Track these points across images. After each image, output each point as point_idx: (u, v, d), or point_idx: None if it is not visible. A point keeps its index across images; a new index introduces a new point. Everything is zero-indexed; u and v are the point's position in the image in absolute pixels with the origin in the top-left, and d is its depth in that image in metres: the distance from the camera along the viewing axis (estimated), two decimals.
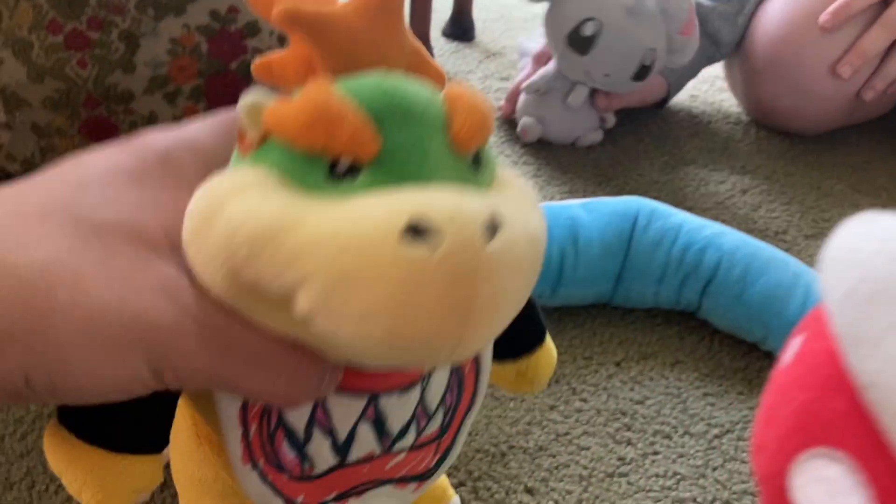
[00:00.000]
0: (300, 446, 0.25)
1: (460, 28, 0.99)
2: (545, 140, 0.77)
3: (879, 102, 0.80)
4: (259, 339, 0.20)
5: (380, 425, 0.25)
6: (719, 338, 0.55)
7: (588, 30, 0.67)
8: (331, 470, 0.26)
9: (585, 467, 0.45)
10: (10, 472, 0.42)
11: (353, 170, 0.20)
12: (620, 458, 0.46)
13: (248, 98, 0.22)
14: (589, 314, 0.56)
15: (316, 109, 0.20)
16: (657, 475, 0.45)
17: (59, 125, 0.63)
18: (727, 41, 0.81)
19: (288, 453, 0.25)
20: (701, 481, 0.45)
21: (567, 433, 0.47)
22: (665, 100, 0.84)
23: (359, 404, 0.24)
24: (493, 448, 0.46)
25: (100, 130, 0.64)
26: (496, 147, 0.76)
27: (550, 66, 0.73)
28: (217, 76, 0.64)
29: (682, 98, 0.89)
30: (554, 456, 0.46)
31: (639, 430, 0.48)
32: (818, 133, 0.81)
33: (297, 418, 0.24)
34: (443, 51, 0.96)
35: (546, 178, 0.72)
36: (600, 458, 0.46)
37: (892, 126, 0.85)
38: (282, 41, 0.65)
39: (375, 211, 0.19)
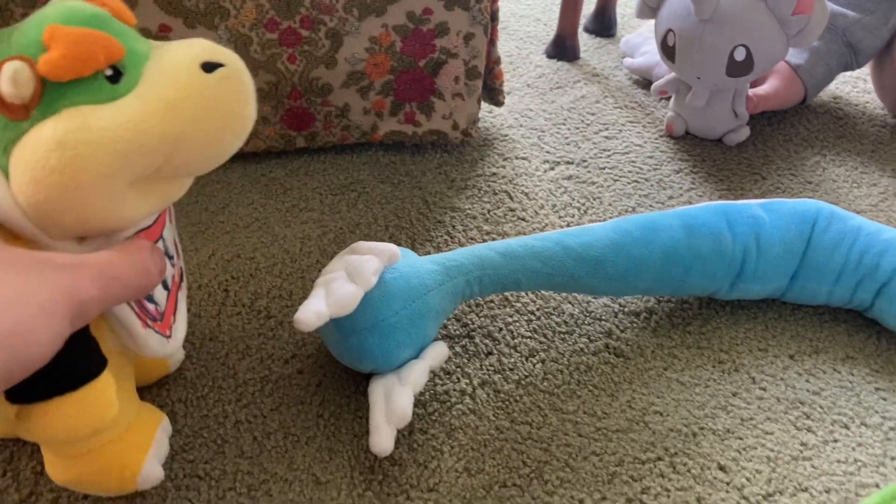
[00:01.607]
0: (151, 299, 0.40)
1: (602, 24, 1.02)
2: (694, 135, 0.80)
3: None
4: (115, 261, 0.33)
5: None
6: (887, 336, 0.58)
7: (670, 40, 0.71)
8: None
9: (771, 450, 0.49)
10: (265, 424, 0.49)
11: (118, 73, 0.33)
12: (803, 444, 0.50)
13: (8, 68, 0.31)
14: (760, 308, 0.60)
15: (79, 40, 0.31)
16: (839, 461, 0.49)
17: (265, 114, 0.69)
18: (868, 52, 0.82)
19: (149, 306, 0.39)
20: (881, 469, 0.48)
21: (752, 418, 0.51)
22: (803, 103, 0.86)
23: None
24: (684, 428, 0.50)
25: (299, 119, 0.70)
26: (653, 142, 0.80)
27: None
28: (406, 73, 0.70)
29: (825, 100, 0.91)
30: (741, 438, 0.50)
31: (817, 419, 0.52)
32: None
33: None
34: (587, 46, 1.00)
35: (703, 176, 0.75)
36: (784, 442, 0.50)
37: None
38: (467, 40, 0.69)
39: (181, 60, 0.33)
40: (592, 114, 0.85)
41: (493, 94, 0.78)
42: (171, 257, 0.42)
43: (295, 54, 0.66)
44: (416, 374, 0.47)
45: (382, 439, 0.44)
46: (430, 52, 0.69)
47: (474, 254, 0.52)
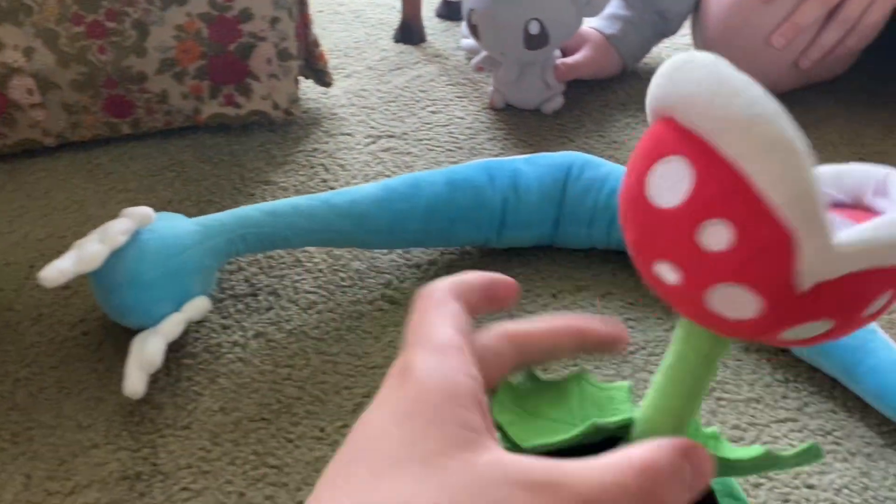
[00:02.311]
0: None
1: (451, 8, 1.07)
2: (514, 106, 0.85)
3: (831, 65, 0.86)
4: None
5: None
6: None
7: (473, 19, 0.76)
8: None
9: None
10: (42, 380, 0.53)
11: None
12: (543, 369, 0.54)
13: None
14: (534, 254, 0.65)
15: None
16: None
17: (85, 104, 0.73)
18: (677, 18, 0.88)
19: None
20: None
21: None
22: (624, 71, 0.92)
23: None
24: None
25: (119, 107, 0.74)
26: (475, 115, 0.84)
27: None
28: (217, 57, 0.74)
29: (651, 66, 0.96)
30: None
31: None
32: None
33: None
34: (435, 30, 1.04)
35: (514, 142, 0.80)
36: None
37: (850, 85, 0.91)
38: (273, 24, 0.74)
39: None
40: (424, 91, 0.89)
41: (320, 75, 0.82)
42: None
43: (104, 45, 0.70)
44: (170, 325, 0.51)
45: (132, 382, 0.49)
46: (237, 37, 0.73)
47: (238, 214, 0.56)
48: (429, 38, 1.01)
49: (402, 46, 0.99)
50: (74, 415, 0.50)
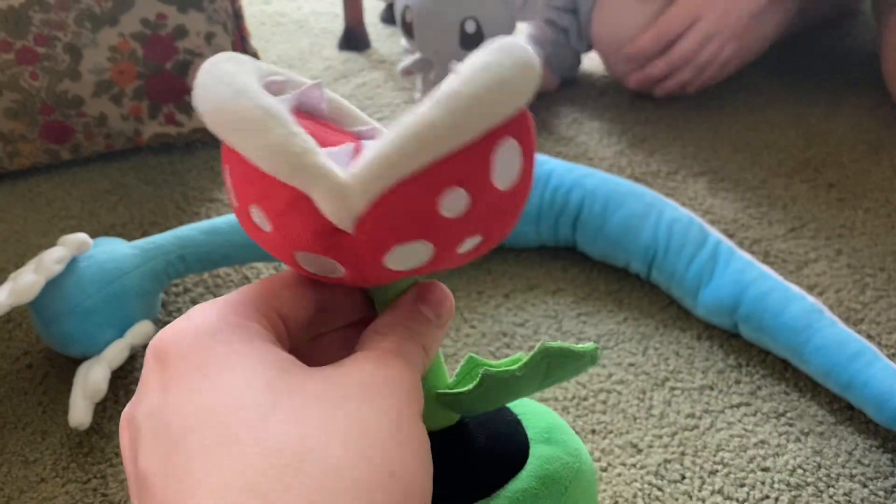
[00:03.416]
0: None
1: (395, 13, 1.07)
2: None
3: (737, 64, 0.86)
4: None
5: None
6: (598, 267, 0.63)
7: (408, 17, 0.75)
8: None
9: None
10: None
11: None
12: None
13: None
14: (484, 256, 0.64)
15: None
16: None
17: (22, 132, 0.72)
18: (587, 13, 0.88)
19: None
20: (564, 384, 0.53)
21: (454, 354, 0.55)
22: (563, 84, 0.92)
23: None
24: None
25: (58, 133, 0.73)
26: None
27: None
28: (155, 76, 0.73)
29: (588, 66, 0.96)
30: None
31: (516, 346, 0.56)
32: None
33: None
34: (380, 35, 1.04)
35: None
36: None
37: (795, 66, 0.92)
38: (209, 39, 0.73)
39: None
40: (370, 98, 0.89)
41: None
42: None
43: (36, 71, 0.69)
44: (114, 351, 0.50)
45: (78, 413, 0.48)
46: (173, 55, 0.72)
47: (176, 235, 0.55)
48: (374, 44, 1.01)
49: (347, 54, 0.99)
50: (20, 450, 0.49)
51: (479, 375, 0.26)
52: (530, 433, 0.31)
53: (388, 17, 1.07)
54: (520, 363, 0.27)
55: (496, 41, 0.22)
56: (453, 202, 0.22)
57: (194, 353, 0.22)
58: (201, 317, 0.23)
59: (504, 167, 0.23)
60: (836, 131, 0.81)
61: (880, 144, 0.79)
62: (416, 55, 0.80)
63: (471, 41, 0.74)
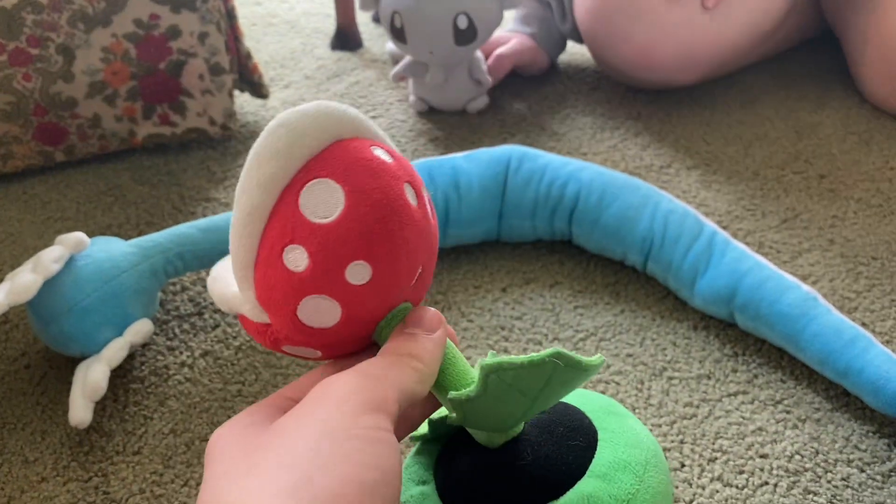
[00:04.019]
0: None
1: None
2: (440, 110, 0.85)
3: (750, 56, 0.87)
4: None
5: None
6: (595, 260, 0.63)
7: (397, 22, 0.75)
8: None
9: None
10: None
11: None
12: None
13: None
14: (482, 250, 0.65)
15: None
16: None
17: (15, 134, 0.71)
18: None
19: None
20: None
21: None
22: (553, 67, 0.92)
23: None
24: None
25: (52, 135, 0.73)
26: (415, 117, 0.84)
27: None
28: (148, 77, 0.73)
29: (584, 53, 0.96)
30: None
31: (515, 340, 0.56)
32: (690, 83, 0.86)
33: None
34: (372, 35, 1.04)
35: (457, 141, 0.80)
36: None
37: (784, 63, 0.93)
38: (202, 39, 0.73)
39: None
40: (363, 97, 0.89)
41: (256, 88, 0.81)
42: None
43: (29, 73, 0.69)
44: (112, 350, 0.50)
45: (77, 412, 0.48)
46: (167, 55, 0.72)
47: (174, 232, 0.55)
48: (366, 43, 1.01)
49: (339, 54, 0.99)
50: (20, 450, 0.49)
51: (480, 376, 0.27)
52: (595, 462, 0.31)
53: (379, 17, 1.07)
54: (523, 358, 0.28)
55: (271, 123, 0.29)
56: (294, 258, 0.27)
57: (214, 462, 0.27)
58: (236, 419, 0.29)
59: (316, 205, 0.27)
60: (825, 123, 0.82)
61: (869, 136, 0.79)
62: (407, 59, 0.80)
63: (464, 36, 0.75)
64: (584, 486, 0.30)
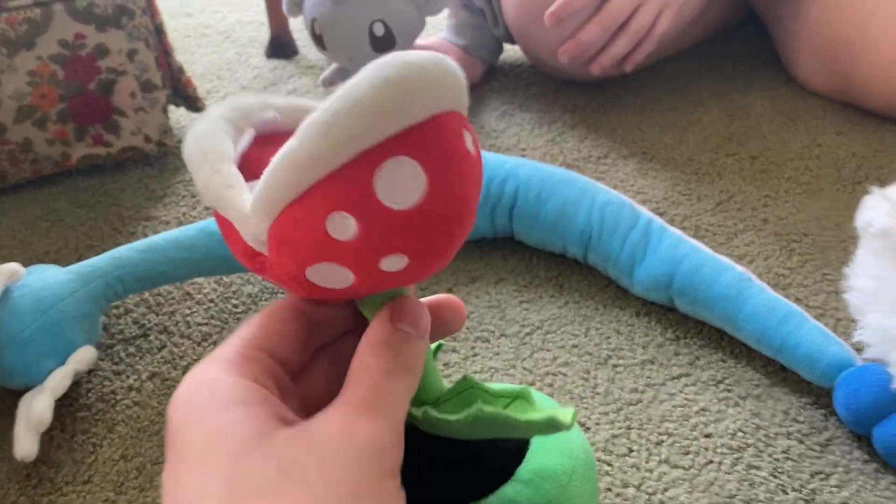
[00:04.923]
0: None
1: None
2: None
3: (678, 43, 0.88)
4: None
5: None
6: (537, 255, 0.64)
7: (317, 29, 0.75)
8: None
9: None
10: None
11: None
12: (445, 364, 0.55)
13: None
14: None
15: None
16: (475, 372, 0.54)
17: None
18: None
19: None
20: (511, 371, 0.54)
21: None
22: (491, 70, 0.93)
23: None
24: None
25: None
26: None
27: None
28: (77, 97, 0.72)
29: (515, 57, 0.98)
30: None
31: (462, 339, 0.57)
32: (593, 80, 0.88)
33: None
34: (307, 41, 1.04)
35: None
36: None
37: (714, 47, 0.95)
38: (131, 56, 0.72)
39: None
40: None
41: (190, 101, 0.81)
42: None
43: None
44: (56, 380, 0.49)
45: (23, 445, 0.47)
46: (96, 74, 0.71)
47: (112, 256, 0.55)
48: (301, 49, 1.01)
49: (275, 62, 0.98)
50: None
51: (470, 413, 0.27)
52: (522, 467, 0.31)
53: None
54: (506, 400, 0.28)
55: (378, 61, 0.22)
56: (340, 226, 0.23)
57: (178, 435, 0.24)
58: (196, 382, 0.25)
59: (393, 187, 0.22)
60: (755, 105, 0.84)
61: (797, 115, 0.82)
62: (334, 65, 0.80)
63: (382, 44, 0.75)
64: (507, 489, 0.30)
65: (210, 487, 0.22)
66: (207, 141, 0.26)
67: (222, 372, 0.25)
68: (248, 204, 0.24)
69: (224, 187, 0.25)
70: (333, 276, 0.24)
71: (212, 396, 0.24)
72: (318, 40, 0.77)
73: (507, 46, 0.96)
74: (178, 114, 0.85)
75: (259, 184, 0.23)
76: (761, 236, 0.65)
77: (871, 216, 0.46)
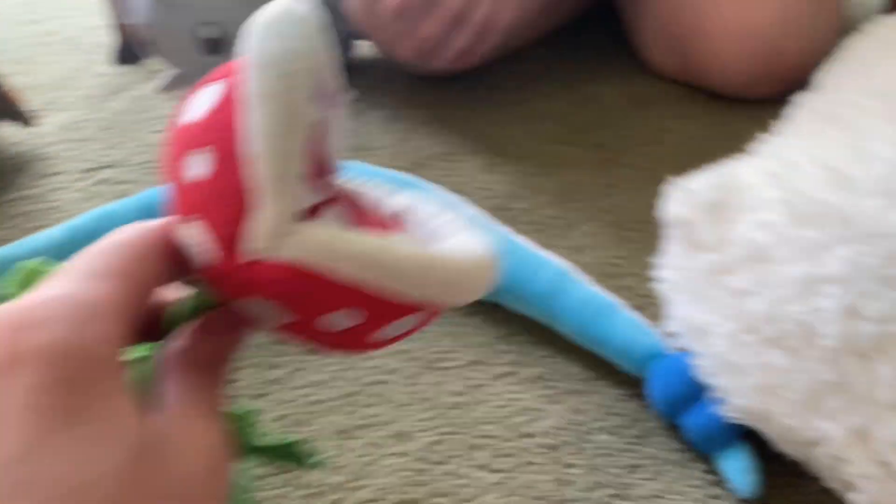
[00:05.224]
0: None
1: None
2: None
3: (528, 34, 0.88)
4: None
5: None
6: None
7: (146, 33, 0.73)
8: None
9: (233, 395, 0.52)
10: None
11: None
12: (273, 381, 0.53)
13: None
14: None
15: None
16: (301, 386, 0.52)
17: None
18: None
19: None
20: (338, 382, 0.52)
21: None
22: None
23: None
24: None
25: None
26: None
27: None
28: None
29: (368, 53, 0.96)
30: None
31: (289, 353, 0.55)
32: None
33: None
34: None
35: None
36: (249, 384, 0.53)
37: (567, 38, 0.95)
38: None
39: None
40: (145, 111, 0.85)
41: (18, 116, 0.76)
42: None
43: None
44: None
45: None
46: None
47: None
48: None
49: (123, 68, 0.94)
50: None
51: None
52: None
53: None
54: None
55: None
56: (337, 319, 0.24)
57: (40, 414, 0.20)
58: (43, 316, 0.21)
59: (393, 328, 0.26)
60: (605, 93, 0.84)
61: (647, 101, 0.82)
62: (172, 70, 0.77)
63: (216, 46, 0.72)
64: None
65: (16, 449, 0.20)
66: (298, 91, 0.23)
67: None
68: (296, 218, 0.23)
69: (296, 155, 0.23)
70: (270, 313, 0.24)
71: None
72: (149, 45, 0.73)
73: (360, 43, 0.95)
74: (6, 131, 0.81)
75: (325, 231, 0.23)
76: (598, 226, 0.65)
77: (670, 205, 0.46)
